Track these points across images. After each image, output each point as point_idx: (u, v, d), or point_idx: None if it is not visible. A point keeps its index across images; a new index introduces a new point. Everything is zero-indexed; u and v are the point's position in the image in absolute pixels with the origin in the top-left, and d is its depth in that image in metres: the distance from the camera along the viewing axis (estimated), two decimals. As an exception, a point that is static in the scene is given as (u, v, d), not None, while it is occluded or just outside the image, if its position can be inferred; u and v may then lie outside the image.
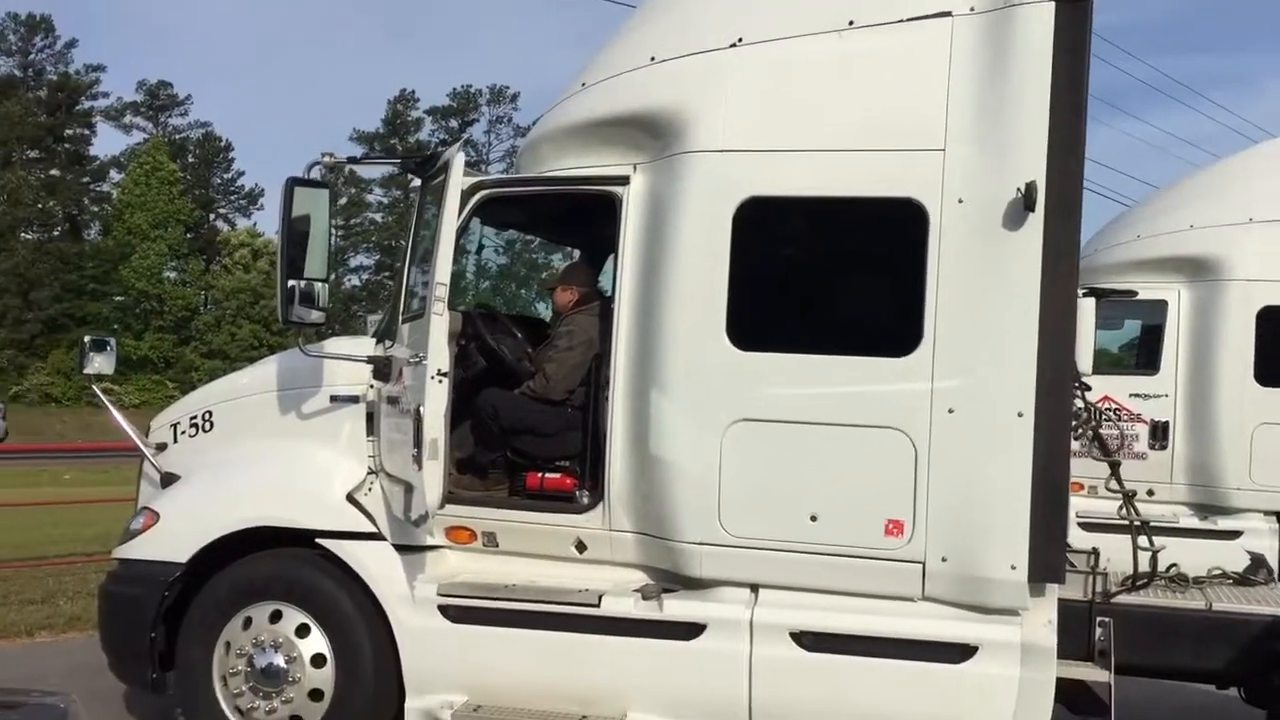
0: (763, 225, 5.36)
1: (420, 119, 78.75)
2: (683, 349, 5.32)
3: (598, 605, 5.45)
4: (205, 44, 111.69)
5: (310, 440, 6.22)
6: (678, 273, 5.34)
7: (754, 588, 5.34)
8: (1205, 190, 9.89)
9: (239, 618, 5.95)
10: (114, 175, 72.20)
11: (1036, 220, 4.90)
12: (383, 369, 5.94)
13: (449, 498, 5.57)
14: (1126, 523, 6.04)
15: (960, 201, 5.00)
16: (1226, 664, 5.87)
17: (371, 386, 6.09)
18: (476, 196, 5.89)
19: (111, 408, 7.08)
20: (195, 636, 6.03)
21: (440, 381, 5.25)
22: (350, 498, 5.99)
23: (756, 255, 5.38)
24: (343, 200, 70.29)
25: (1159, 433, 9.46)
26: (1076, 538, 5.59)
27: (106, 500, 13.15)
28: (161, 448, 6.67)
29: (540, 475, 5.99)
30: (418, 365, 5.30)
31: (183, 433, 6.63)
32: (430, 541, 5.82)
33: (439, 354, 5.25)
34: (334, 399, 6.19)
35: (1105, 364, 9.79)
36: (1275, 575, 7.11)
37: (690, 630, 5.35)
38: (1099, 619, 5.56)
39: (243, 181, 78.98)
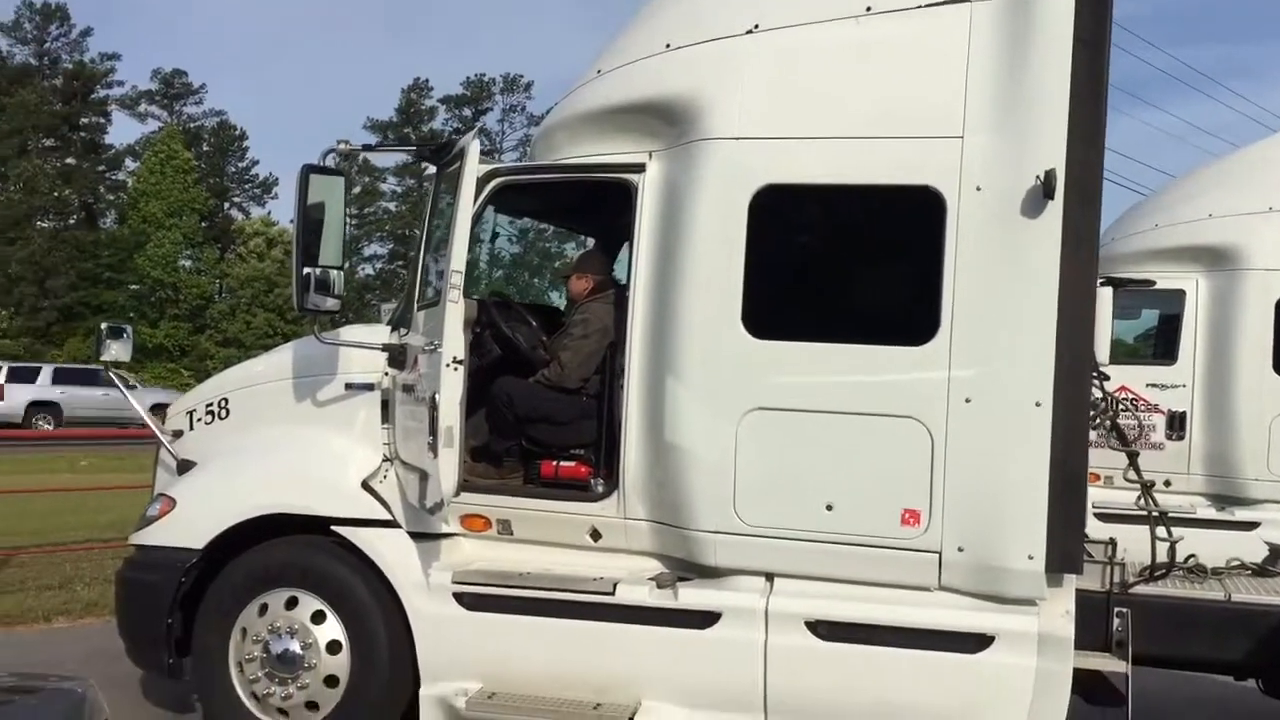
0: (779, 213, 5.33)
1: (434, 108, 78.62)
2: (698, 337, 5.30)
3: (612, 593, 5.45)
4: (220, 33, 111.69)
5: (325, 428, 6.23)
6: (693, 261, 5.32)
7: (769, 577, 5.33)
8: (1224, 179, 9.82)
9: (255, 604, 5.97)
10: (129, 164, 72.29)
11: (1056, 208, 4.87)
12: (398, 357, 5.94)
13: (464, 485, 5.57)
14: (1143, 513, 6.00)
15: (978, 189, 4.97)
16: (1245, 655, 5.83)
17: (387, 374, 6.10)
18: (492, 184, 5.88)
19: (128, 394, 7.09)
20: (211, 623, 6.05)
21: (455, 369, 5.24)
22: (365, 485, 6.00)
23: (773, 243, 5.36)
24: (356, 189, 70.28)
25: (1176, 423, 9.42)
26: (1093, 528, 5.55)
27: (123, 487, 13.20)
28: (178, 435, 6.69)
29: (555, 463, 5.99)
30: (433, 353, 5.30)
31: (199, 420, 6.65)
32: (445, 529, 5.82)
33: (454, 342, 5.25)
34: (349, 387, 6.20)
35: (1121, 354, 9.75)
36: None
37: (705, 619, 5.34)
38: (1116, 609, 5.52)
39: (257, 170, 79.08)
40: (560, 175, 6.05)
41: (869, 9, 5.21)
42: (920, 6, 5.14)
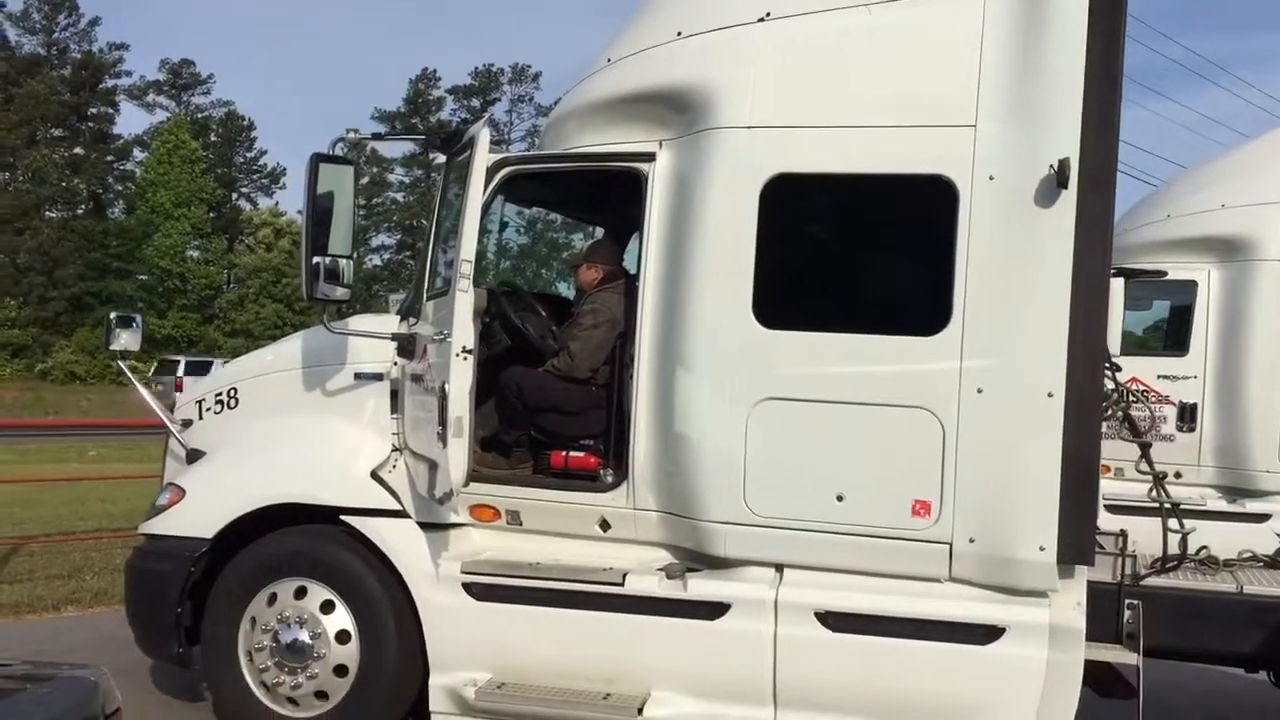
0: (790, 203, 5.31)
1: (442, 98, 78.75)
2: (708, 327, 5.28)
3: (622, 584, 5.44)
4: (228, 23, 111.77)
5: (334, 418, 6.23)
6: (704, 250, 5.30)
7: (779, 567, 5.32)
8: (1237, 169, 9.76)
9: (264, 594, 5.98)
10: (138, 154, 72.54)
11: (1069, 198, 4.84)
12: (407, 346, 5.93)
13: (473, 476, 5.55)
14: (1154, 505, 5.98)
15: (991, 179, 4.94)
16: (1256, 647, 5.81)
17: (396, 364, 6.09)
18: (501, 173, 5.87)
19: (138, 383, 7.10)
20: (221, 612, 6.06)
21: (465, 359, 5.23)
22: (375, 475, 6.00)
23: (784, 233, 5.33)
24: (364, 180, 70.29)
25: (1187, 415, 9.36)
26: (1104, 520, 5.53)
27: (132, 476, 13.23)
28: (187, 424, 6.70)
29: (564, 454, 5.99)
30: (442, 343, 5.29)
31: (208, 409, 6.66)
32: (454, 519, 5.81)
33: (464, 331, 5.23)
34: (358, 376, 6.20)
35: (1132, 345, 9.70)
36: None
37: (714, 610, 5.33)
38: (1128, 601, 5.50)
39: (265, 160, 79.31)
40: (570, 164, 6.04)
41: None
42: None
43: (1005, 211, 4.93)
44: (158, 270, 65.60)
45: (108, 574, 10.16)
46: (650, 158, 5.60)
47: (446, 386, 5.15)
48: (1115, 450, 6.39)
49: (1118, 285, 7.59)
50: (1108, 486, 5.73)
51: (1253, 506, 8.77)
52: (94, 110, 71.69)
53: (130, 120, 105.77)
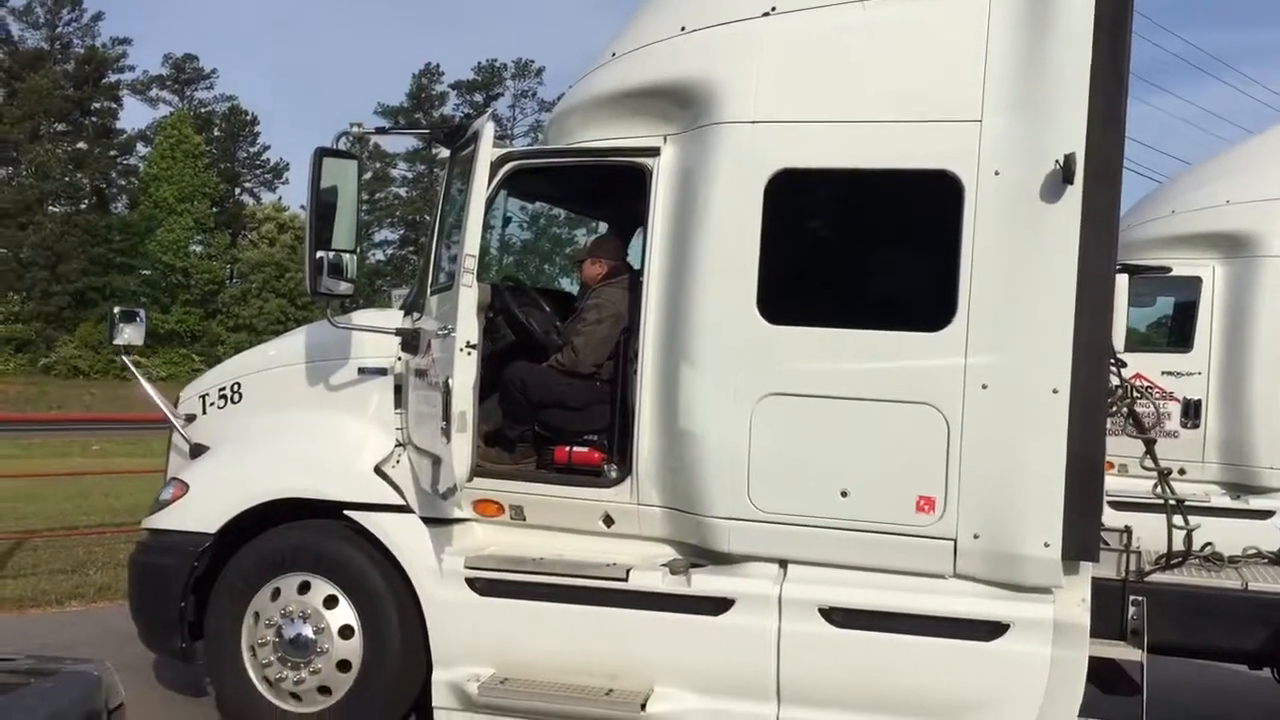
0: (795, 198, 5.30)
1: (445, 93, 78.71)
2: (712, 322, 5.27)
3: (625, 579, 5.44)
4: (231, 18, 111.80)
5: (338, 412, 6.23)
6: (708, 245, 5.29)
7: (783, 563, 5.31)
8: (1242, 165, 9.72)
9: (267, 588, 5.98)
10: (141, 149, 72.57)
11: (1075, 193, 4.82)
12: (411, 341, 5.92)
13: (477, 471, 5.57)
14: (1158, 501, 5.97)
15: (997, 174, 4.92)
16: (1261, 644, 5.80)
17: (399, 359, 6.08)
18: (506, 167, 5.86)
19: (141, 378, 7.09)
20: (224, 607, 6.06)
21: (469, 354, 5.22)
22: (378, 470, 6.00)
23: (788, 228, 5.32)
24: (367, 175, 70.27)
25: (1191, 411, 9.34)
26: (1108, 516, 5.52)
27: (135, 471, 13.25)
28: (190, 419, 6.70)
29: (568, 449, 5.98)
30: (446, 337, 5.28)
31: (212, 404, 6.66)
32: (458, 514, 5.81)
33: (468, 326, 5.23)
34: (362, 371, 6.20)
35: (1135, 342, 9.68)
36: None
37: (718, 605, 5.32)
38: (1132, 598, 5.50)
39: (268, 155, 79.33)
40: (574, 159, 6.03)
41: None
42: None
43: (1010, 207, 4.91)
44: (161, 265, 65.62)
45: (111, 569, 10.19)
46: (654, 153, 5.59)
47: (450, 381, 5.14)
48: (1119, 447, 6.37)
49: (1122, 281, 7.55)
50: (1112, 483, 5.72)
51: (1257, 503, 8.76)
52: (97, 105, 71.69)
53: (133, 115, 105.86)
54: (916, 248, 5.43)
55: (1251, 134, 11.38)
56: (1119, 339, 7.25)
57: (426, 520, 5.85)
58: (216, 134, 76.63)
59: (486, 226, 5.87)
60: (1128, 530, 5.85)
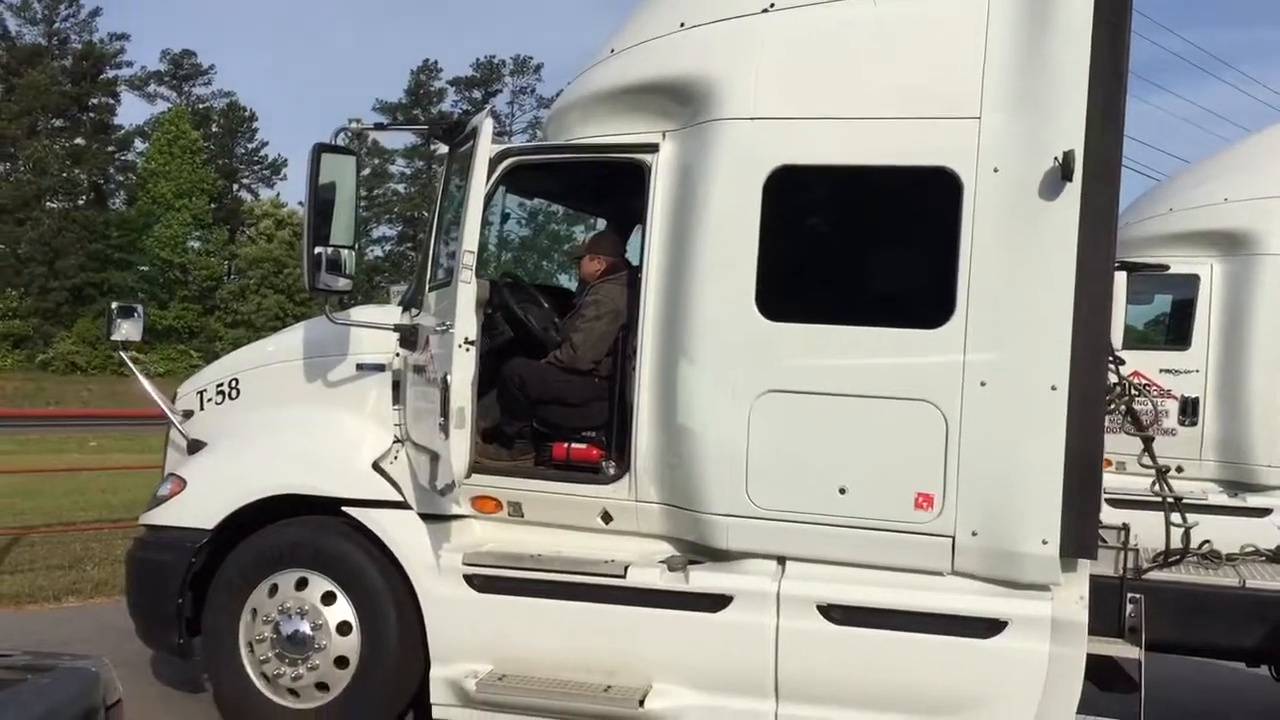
0: (794, 194, 5.29)
1: (443, 89, 78.66)
2: (711, 319, 5.27)
3: (623, 576, 5.44)
4: (229, 14, 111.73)
5: (336, 409, 6.22)
6: (707, 242, 5.28)
7: (781, 560, 5.31)
8: (1241, 163, 9.72)
9: (265, 585, 5.97)
10: (139, 144, 72.49)
11: (1074, 190, 4.82)
12: (409, 338, 5.92)
13: (475, 467, 5.55)
14: (1156, 499, 5.97)
15: (996, 171, 4.92)
16: (1258, 641, 5.82)
17: (398, 355, 6.07)
18: (504, 163, 5.85)
19: (139, 374, 7.08)
20: (222, 603, 6.05)
21: (467, 350, 5.21)
22: (376, 466, 5.99)
23: (787, 225, 5.32)
24: (365, 171, 70.22)
25: (1189, 409, 9.34)
26: (1106, 514, 5.53)
27: (133, 467, 13.24)
28: (188, 415, 6.69)
29: (566, 445, 5.97)
30: (445, 334, 5.28)
31: (209, 400, 6.65)
32: (456, 511, 5.81)
33: (466, 322, 5.22)
34: (360, 367, 6.19)
35: (1132, 340, 9.68)
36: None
37: (716, 602, 5.32)
38: (1130, 595, 5.51)
39: (266, 151, 79.26)
40: (573, 155, 6.02)
41: None
42: None
43: (1009, 204, 4.91)
44: (159, 261, 65.58)
45: (108, 565, 10.18)
46: (653, 149, 5.58)
47: (449, 378, 5.14)
48: (1118, 444, 6.38)
49: (1120, 279, 7.55)
50: (1110, 481, 5.72)
51: (1254, 501, 8.76)
52: (95, 101, 71.59)
53: (131, 111, 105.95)
54: (915, 245, 5.43)
55: (1250, 133, 11.37)
56: (1117, 337, 7.27)
57: (424, 516, 5.84)
58: (215, 130, 76.55)
59: (485, 223, 5.87)
60: (1126, 528, 5.87)
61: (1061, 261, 4.85)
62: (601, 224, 7.58)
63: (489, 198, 5.75)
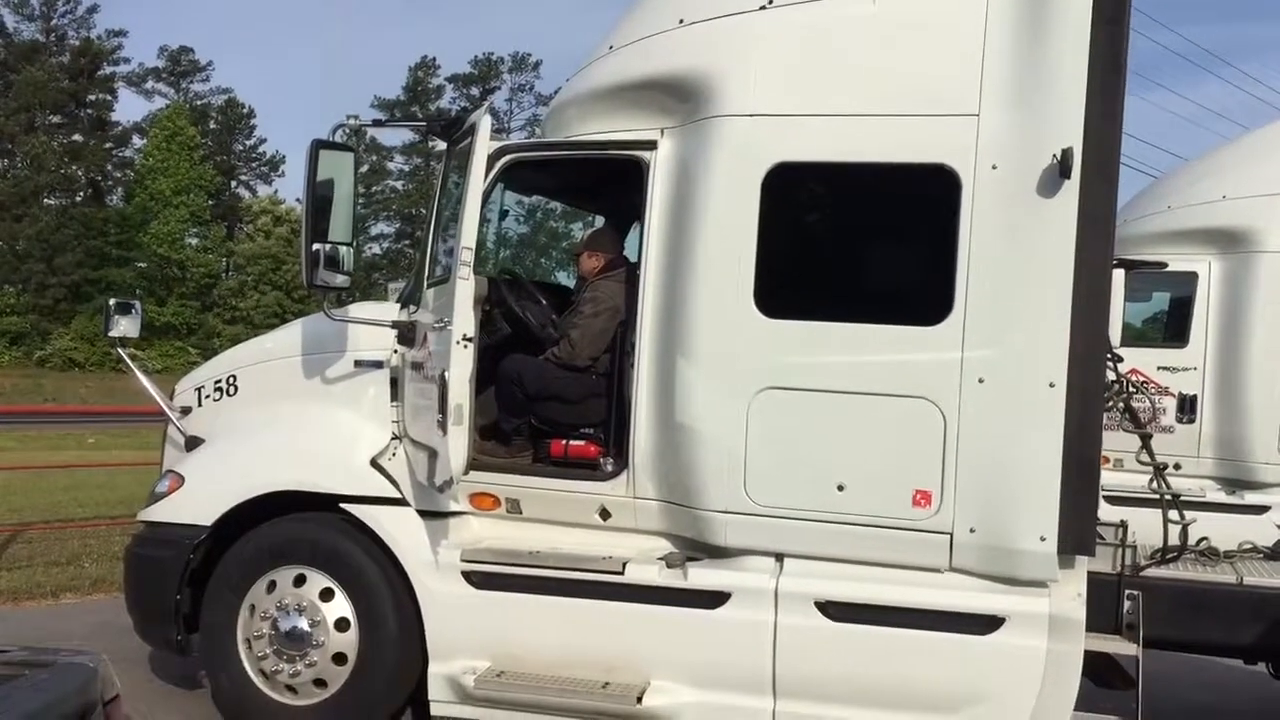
0: (792, 191, 5.30)
1: (441, 86, 78.56)
2: (709, 316, 5.27)
3: (622, 573, 5.44)
4: (227, 10, 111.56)
5: (334, 405, 6.22)
6: (705, 239, 5.28)
7: (779, 557, 5.31)
8: (1239, 160, 9.73)
9: (263, 581, 5.97)
10: (136, 141, 72.42)
11: (1072, 188, 4.82)
12: (407, 334, 5.92)
13: (473, 464, 5.54)
14: (1154, 496, 5.98)
15: (994, 168, 4.92)
16: (1256, 639, 5.80)
17: (396, 352, 6.07)
18: (502, 160, 5.85)
19: (137, 370, 7.08)
20: (220, 599, 6.05)
21: (465, 347, 5.21)
22: (374, 463, 5.99)
23: (785, 222, 5.32)
24: (364, 168, 70.17)
25: (1187, 406, 9.35)
26: (1104, 511, 5.53)
27: (130, 464, 13.24)
28: (186, 411, 6.69)
29: (565, 442, 5.97)
30: (443, 330, 5.27)
31: (207, 396, 6.65)
32: (454, 507, 5.81)
33: (464, 319, 5.21)
34: (358, 364, 6.19)
35: (1130, 337, 9.69)
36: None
37: (714, 599, 5.32)
38: (1128, 592, 5.50)
39: (264, 148, 79.18)
40: (571, 152, 6.02)
41: None
42: None
43: (1008, 201, 4.91)
44: (156, 258, 65.49)
45: (106, 561, 10.17)
46: (652, 146, 5.58)
47: (447, 374, 5.13)
48: (1115, 441, 6.38)
49: (1118, 276, 7.55)
50: (1108, 478, 5.73)
51: (1252, 498, 8.78)
52: (92, 97, 71.48)
53: (129, 107, 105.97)
54: (913, 242, 5.42)
55: (1248, 130, 11.38)
56: (1115, 334, 7.27)
57: (422, 513, 5.84)
58: (212, 126, 76.45)
59: (483, 220, 5.87)
60: (1123, 525, 5.86)
61: (1060, 259, 4.85)
62: (600, 221, 7.58)
63: (487, 195, 5.75)
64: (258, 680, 5.96)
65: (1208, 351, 9.31)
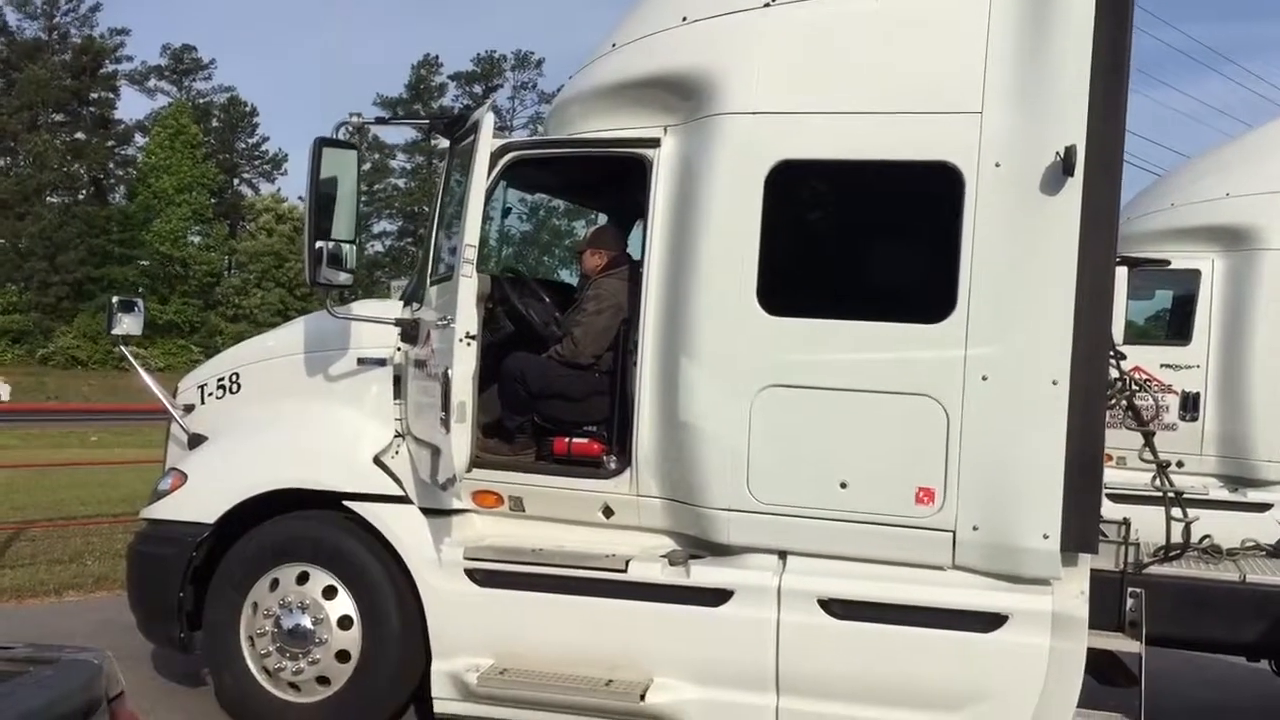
0: (795, 189, 5.29)
1: (444, 84, 78.65)
2: (712, 314, 5.26)
3: (625, 570, 5.44)
4: (229, 9, 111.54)
5: (337, 403, 6.22)
6: (708, 237, 5.28)
7: (782, 555, 5.31)
8: (1242, 158, 9.71)
9: (266, 579, 5.98)
10: (139, 139, 72.50)
11: (1075, 185, 4.81)
12: (410, 332, 5.92)
13: (476, 461, 5.56)
14: (1157, 494, 5.97)
15: (997, 166, 4.91)
16: (1258, 636, 5.80)
17: (399, 349, 6.07)
18: (505, 158, 5.85)
19: (139, 368, 7.08)
20: (223, 597, 6.06)
21: (468, 344, 5.22)
22: (377, 460, 6.00)
23: (788, 219, 5.32)
24: (366, 166, 70.16)
25: (1190, 404, 9.34)
26: (1107, 509, 5.53)
27: (133, 461, 13.24)
28: (189, 409, 6.69)
29: (567, 440, 5.98)
30: (446, 328, 5.27)
31: (210, 394, 6.65)
32: (457, 505, 5.81)
33: (467, 317, 5.22)
34: (361, 362, 6.19)
35: (1133, 335, 9.67)
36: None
37: (717, 596, 5.32)
38: (1130, 590, 5.49)
39: (266, 146, 79.27)
40: (574, 150, 6.02)
41: None
42: None
43: (1011, 199, 4.90)
44: (159, 256, 65.55)
45: (109, 559, 10.18)
46: (655, 144, 5.58)
47: (450, 372, 5.13)
48: (1118, 439, 6.37)
49: (1121, 274, 7.54)
50: (1110, 475, 5.72)
51: (1255, 496, 8.76)
52: (95, 95, 71.57)
53: (131, 105, 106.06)
54: (916, 239, 5.42)
55: (1252, 127, 11.36)
56: (1118, 332, 7.25)
57: (425, 511, 5.85)
58: (215, 125, 76.52)
59: (486, 217, 5.86)
60: (1126, 522, 5.86)
61: (1063, 256, 4.85)
62: (603, 219, 7.57)
63: (490, 192, 5.75)
64: (261, 678, 5.97)
65: (1210, 349, 9.29)
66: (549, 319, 6.40)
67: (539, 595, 5.54)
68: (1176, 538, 5.89)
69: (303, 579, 5.93)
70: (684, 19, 5.51)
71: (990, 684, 5.04)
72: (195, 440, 6.54)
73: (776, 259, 5.21)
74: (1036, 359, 4.90)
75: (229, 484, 6.12)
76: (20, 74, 66.18)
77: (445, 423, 5.16)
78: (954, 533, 5.02)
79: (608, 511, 5.68)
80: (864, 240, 5.58)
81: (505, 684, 5.49)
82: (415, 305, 6.05)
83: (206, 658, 6.27)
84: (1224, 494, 8.88)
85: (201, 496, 6.14)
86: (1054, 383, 4.86)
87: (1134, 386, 6.27)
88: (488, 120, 5.38)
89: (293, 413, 6.33)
